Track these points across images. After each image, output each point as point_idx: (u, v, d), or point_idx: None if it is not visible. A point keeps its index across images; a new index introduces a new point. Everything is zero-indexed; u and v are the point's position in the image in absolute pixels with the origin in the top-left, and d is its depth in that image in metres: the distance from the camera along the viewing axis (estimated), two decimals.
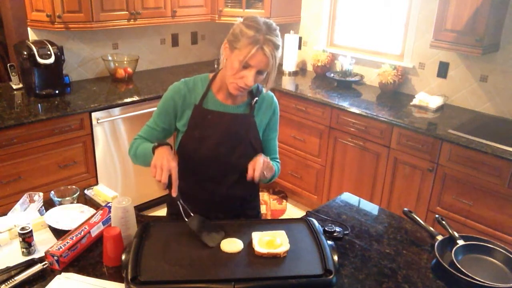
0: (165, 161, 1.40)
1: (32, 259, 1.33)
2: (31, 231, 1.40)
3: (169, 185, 1.40)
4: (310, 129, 3.35)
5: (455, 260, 1.39)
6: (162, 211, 3.23)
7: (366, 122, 2.98)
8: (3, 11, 3.61)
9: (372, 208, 1.84)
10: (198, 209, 1.47)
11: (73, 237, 1.39)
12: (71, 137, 2.82)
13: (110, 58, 3.53)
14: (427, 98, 3.08)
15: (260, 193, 2.29)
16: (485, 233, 2.53)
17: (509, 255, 1.44)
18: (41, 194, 1.70)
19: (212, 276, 1.25)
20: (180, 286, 1.21)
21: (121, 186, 3.21)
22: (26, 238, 1.39)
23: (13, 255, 1.41)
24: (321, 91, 3.42)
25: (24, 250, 1.41)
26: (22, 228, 1.39)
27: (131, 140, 1.66)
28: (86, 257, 1.41)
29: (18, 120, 2.57)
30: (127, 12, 3.17)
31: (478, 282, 1.30)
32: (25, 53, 2.82)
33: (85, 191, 1.83)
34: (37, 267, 1.30)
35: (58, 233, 1.51)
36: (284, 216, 3.55)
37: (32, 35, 3.12)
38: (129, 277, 1.20)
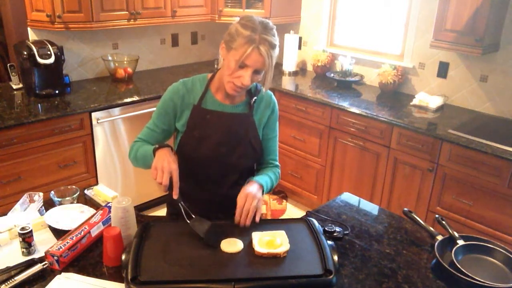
0: (166, 163, 1.40)
1: (32, 259, 1.33)
2: (31, 231, 1.40)
3: (170, 187, 1.40)
4: (310, 129, 3.35)
5: (455, 260, 1.39)
6: (162, 211, 3.23)
7: (366, 122, 2.98)
8: (3, 11, 3.61)
9: (372, 208, 1.84)
10: (198, 210, 1.47)
11: (73, 237, 1.39)
12: (71, 137, 2.82)
13: (110, 58, 3.53)
14: (427, 98, 3.08)
15: None
16: (485, 233, 2.53)
17: (509, 255, 1.44)
18: (41, 194, 1.69)
19: (212, 276, 1.25)
20: (180, 286, 1.21)
21: (121, 186, 3.21)
22: (26, 238, 1.39)
23: (13, 255, 1.41)
24: (321, 91, 3.42)
25: (24, 250, 1.40)
26: (22, 228, 1.39)
27: (131, 143, 1.66)
28: (86, 257, 1.41)
29: (18, 120, 2.57)
30: (127, 12, 3.17)
31: (478, 282, 1.30)
32: (25, 53, 2.82)
33: (85, 191, 1.83)
34: (37, 267, 1.30)
35: (58, 233, 1.51)
36: (284, 216, 3.55)
37: (32, 35, 3.12)
38: (129, 277, 1.20)
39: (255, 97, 1.63)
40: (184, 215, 1.43)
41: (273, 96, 1.70)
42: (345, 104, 3.11)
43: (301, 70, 4.04)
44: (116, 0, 3.08)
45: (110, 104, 2.95)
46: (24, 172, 2.67)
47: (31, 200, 1.68)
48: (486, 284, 1.29)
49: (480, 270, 1.39)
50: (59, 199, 1.68)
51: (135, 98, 3.07)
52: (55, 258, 1.32)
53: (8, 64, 3.15)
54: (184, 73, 3.73)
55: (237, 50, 1.42)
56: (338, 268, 1.32)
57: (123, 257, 1.29)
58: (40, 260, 1.33)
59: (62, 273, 1.32)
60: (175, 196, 1.40)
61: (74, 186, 1.75)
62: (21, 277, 1.26)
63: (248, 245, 1.38)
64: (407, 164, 2.84)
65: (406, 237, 1.61)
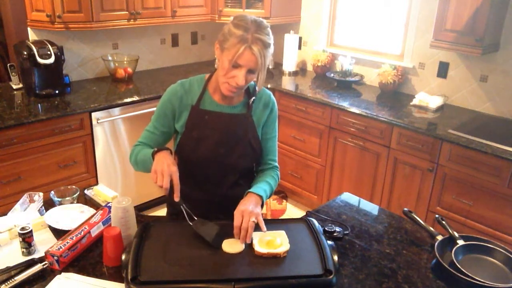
0: (166, 166, 1.39)
1: (32, 259, 1.33)
2: (31, 231, 1.40)
3: (171, 190, 1.39)
4: (310, 129, 3.35)
5: (455, 260, 1.39)
6: (162, 211, 3.23)
7: (366, 122, 2.98)
8: (3, 11, 3.61)
9: (372, 208, 1.84)
10: (198, 210, 1.47)
11: (73, 237, 1.39)
12: (71, 137, 2.82)
13: (110, 58, 3.53)
14: (427, 98, 3.08)
15: None
16: (485, 233, 2.53)
17: (509, 255, 1.44)
18: (41, 194, 1.69)
19: (212, 276, 1.25)
20: (180, 286, 1.21)
21: (121, 186, 3.21)
22: (26, 238, 1.39)
23: (13, 255, 1.41)
24: (321, 91, 3.42)
25: (24, 250, 1.40)
26: (22, 228, 1.39)
27: (132, 146, 1.66)
28: (86, 257, 1.41)
29: (18, 120, 2.57)
30: (127, 12, 3.17)
31: (478, 282, 1.30)
32: (25, 53, 2.82)
33: (85, 191, 1.83)
34: (37, 267, 1.30)
35: (58, 233, 1.51)
36: (284, 216, 3.55)
37: (32, 35, 3.12)
38: (129, 277, 1.20)
39: (254, 97, 1.62)
40: (186, 217, 1.42)
41: (272, 96, 1.70)
42: (345, 104, 3.11)
43: (301, 70, 4.04)
44: (116, 0, 3.08)
45: (110, 104, 2.95)
46: (24, 172, 2.67)
47: (31, 200, 1.68)
48: (486, 284, 1.29)
49: (480, 270, 1.39)
50: (59, 199, 1.68)
51: (135, 98, 3.07)
52: (55, 258, 1.32)
53: (8, 64, 3.15)
54: (184, 73, 3.74)
55: (229, 50, 1.42)
56: (338, 268, 1.32)
57: (123, 257, 1.29)
58: (40, 260, 1.33)
59: (62, 273, 1.32)
60: (177, 198, 1.39)
61: (74, 186, 1.75)
62: (21, 277, 1.27)
63: (248, 245, 1.38)
64: (407, 164, 2.84)
65: (406, 237, 1.61)
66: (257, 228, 1.42)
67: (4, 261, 1.36)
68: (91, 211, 1.64)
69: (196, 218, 1.43)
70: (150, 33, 3.75)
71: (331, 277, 1.25)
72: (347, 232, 1.58)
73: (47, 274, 1.32)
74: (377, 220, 1.72)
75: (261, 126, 1.67)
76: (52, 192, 1.69)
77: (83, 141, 2.89)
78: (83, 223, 1.47)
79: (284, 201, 3.75)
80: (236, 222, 1.40)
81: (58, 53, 2.91)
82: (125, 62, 3.49)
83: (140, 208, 3.35)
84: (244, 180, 1.70)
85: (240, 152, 1.62)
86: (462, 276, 1.32)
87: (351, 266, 1.42)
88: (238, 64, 1.42)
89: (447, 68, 3.16)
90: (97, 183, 2.63)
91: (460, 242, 1.49)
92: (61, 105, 2.85)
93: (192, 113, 1.59)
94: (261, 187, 1.58)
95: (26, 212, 1.62)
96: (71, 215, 1.61)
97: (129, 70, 3.47)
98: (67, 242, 1.36)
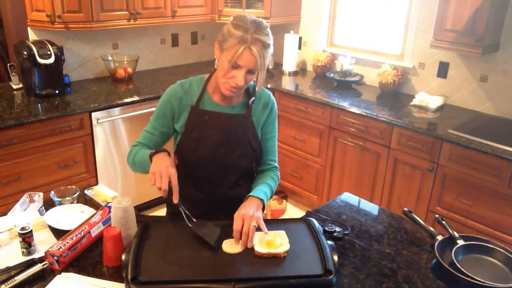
0: (164, 168, 1.38)
1: (32, 259, 1.33)
2: (31, 231, 1.40)
3: (169, 192, 1.38)
4: (310, 129, 3.35)
5: (455, 260, 1.39)
6: (162, 211, 3.23)
7: (366, 122, 2.98)
8: (3, 11, 3.61)
9: (372, 208, 1.84)
10: (197, 210, 1.47)
11: (73, 237, 1.39)
12: (71, 137, 2.82)
13: (110, 58, 3.53)
14: (427, 98, 3.08)
15: None
16: (485, 233, 2.53)
17: (509, 255, 1.44)
18: (41, 194, 1.69)
19: (212, 276, 1.25)
20: (180, 286, 1.21)
21: (121, 186, 3.21)
22: (26, 238, 1.39)
23: (13, 255, 1.41)
24: (321, 91, 3.42)
25: (24, 250, 1.40)
26: (22, 228, 1.39)
27: (130, 146, 1.66)
28: (86, 257, 1.41)
29: (18, 120, 2.56)
30: (127, 12, 3.17)
31: (478, 282, 1.30)
32: (25, 53, 2.82)
33: (85, 191, 1.83)
34: (37, 267, 1.30)
35: (58, 233, 1.51)
36: (284, 216, 3.55)
37: (32, 35, 3.12)
38: (129, 277, 1.20)
39: (253, 98, 1.62)
40: (186, 219, 1.42)
41: (271, 96, 1.69)
42: (345, 104, 3.11)
43: (301, 70, 4.04)
44: (116, 0, 3.08)
45: (110, 104, 2.95)
46: (24, 172, 2.67)
47: (31, 200, 1.68)
48: (486, 284, 1.29)
49: (480, 270, 1.39)
50: (59, 199, 1.68)
51: (135, 98, 3.07)
52: (55, 258, 1.32)
53: (8, 64, 3.15)
54: (184, 73, 3.74)
55: (229, 51, 1.41)
56: (338, 268, 1.32)
57: (123, 257, 1.29)
58: (40, 260, 1.33)
59: (62, 273, 1.32)
60: (176, 200, 1.39)
61: (74, 186, 1.75)
62: (21, 277, 1.26)
63: None
64: (407, 164, 2.84)
65: (406, 237, 1.61)
66: (257, 228, 1.42)
67: (4, 261, 1.36)
68: (91, 211, 1.64)
69: (195, 220, 1.43)
70: (150, 33, 3.75)
71: (331, 277, 1.25)
72: (347, 232, 1.58)
73: (47, 274, 1.32)
74: (377, 220, 1.72)
75: (261, 126, 1.67)
76: (52, 192, 1.69)
77: (83, 141, 2.89)
78: (83, 223, 1.47)
79: (284, 201, 3.75)
80: (237, 226, 1.39)
81: (58, 53, 2.91)
82: (125, 62, 3.49)
83: (140, 208, 3.35)
84: (244, 180, 1.70)
85: (240, 152, 1.62)
86: (462, 276, 1.32)
87: (351, 266, 1.42)
88: (238, 65, 1.42)
89: (447, 68, 3.16)
90: (97, 183, 2.63)
91: (460, 242, 1.49)
92: (61, 105, 2.85)
93: (192, 114, 1.58)
94: (262, 189, 1.58)
95: (26, 212, 1.62)
96: (71, 215, 1.61)
97: (129, 70, 3.47)
98: (67, 242, 1.36)
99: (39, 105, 2.84)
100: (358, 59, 3.61)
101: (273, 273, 1.27)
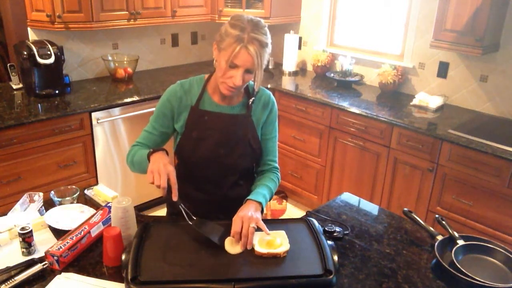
0: (162, 166, 1.38)
1: (32, 259, 1.33)
2: (31, 231, 1.40)
3: (168, 190, 1.38)
4: (310, 129, 3.35)
5: (455, 260, 1.39)
6: (162, 211, 3.23)
7: (366, 122, 2.98)
8: (3, 11, 3.61)
9: (372, 208, 1.83)
10: (198, 210, 1.47)
11: (73, 237, 1.39)
12: (71, 137, 2.82)
13: (110, 58, 3.53)
14: (427, 98, 3.08)
15: None
16: (485, 233, 2.53)
17: (509, 255, 1.44)
18: (41, 194, 1.69)
19: (212, 276, 1.25)
20: (180, 286, 1.21)
21: (121, 186, 3.21)
22: (26, 238, 1.39)
23: (13, 255, 1.41)
24: (321, 91, 3.42)
25: (24, 250, 1.40)
26: (22, 228, 1.39)
27: (130, 147, 1.65)
28: (86, 257, 1.41)
29: (18, 120, 2.56)
30: (127, 12, 3.17)
31: (478, 282, 1.30)
32: (25, 53, 2.82)
33: (85, 191, 1.83)
34: (37, 267, 1.30)
35: (58, 233, 1.51)
36: (284, 216, 3.55)
37: (32, 35, 3.12)
38: (129, 277, 1.20)
39: (253, 98, 1.62)
40: (186, 217, 1.42)
41: (271, 96, 1.69)
42: (345, 104, 3.11)
43: (301, 70, 4.04)
44: (116, 0, 3.08)
45: (110, 104, 2.95)
46: (24, 172, 2.67)
47: (31, 200, 1.68)
48: (486, 284, 1.29)
49: (480, 270, 1.39)
50: (59, 199, 1.68)
51: (135, 98, 3.07)
52: (55, 258, 1.32)
53: (8, 64, 3.15)
54: (184, 73, 3.74)
55: (226, 50, 1.41)
56: (338, 268, 1.32)
57: (123, 257, 1.29)
58: (40, 260, 1.33)
59: (62, 273, 1.32)
60: (175, 198, 1.38)
61: (74, 186, 1.75)
62: (21, 277, 1.26)
63: None
64: (407, 164, 2.84)
65: (406, 237, 1.61)
66: (257, 228, 1.42)
67: (4, 261, 1.36)
68: (91, 211, 1.64)
69: (194, 218, 1.43)
70: (150, 33, 3.75)
71: (331, 277, 1.25)
72: (347, 232, 1.58)
73: (47, 274, 1.32)
74: (377, 220, 1.72)
75: (261, 126, 1.67)
76: (52, 192, 1.69)
77: (83, 141, 2.89)
78: (83, 223, 1.47)
79: (284, 201, 3.75)
80: (236, 227, 1.38)
81: (58, 53, 2.91)
82: (125, 62, 3.49)
83: (140, 208, 3.35)
84: (244, 180, 1.70)
85: (239, 153, 1.61)
86: (462, 276, 1.32)
87: (351, 266, 1.42)
88: (235, 64, 1.42)
89: (447, 68, 3.16)
90: (97, 183, 2.63)
91: (460, 242, 1.49)
92: (61, 105, 2.85)
93: (192, 114, 1.58)
94: (260, 192, 1.57)
95: (26, 212, 1.62)
96: (71, 215, 1.61)
97: (129, 70, 3.47)
98: (67, 242, 1.36)
99: (39, 105, 2.84)
100: (358, 59, 3.61)
101: (273, 273, 1.27)
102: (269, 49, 1.46)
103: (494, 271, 1.42)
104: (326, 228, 1.51)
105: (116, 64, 3.46)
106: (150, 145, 1.61)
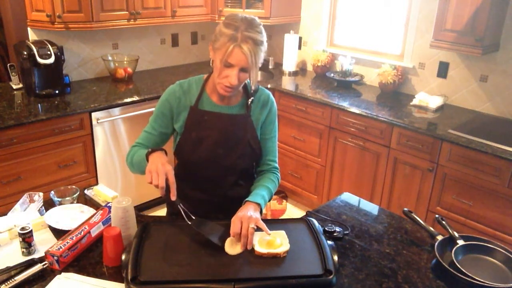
0: (160, 165, 1.38)
1: (32, 259, 1.33)
2: (31, 231, 1.40)
3: (167, 189, 1.38)
4: (310, 129, 3.35)
5: (455, 260, 1.39)
6: (162, 211, 3.23)
7: (366, 122, 2.98)
8: (3, 11, 3.61)
9: (372, 208, 1.83)
10: (197, 211, 1.47)
11: (73, 237, 1.39)
12: (71, 137, 2.82)
13: (110, 58, 3.53)
14: (427, 98, 3.08)
15: None
16: (485, 233, 2.53)
17: (509, 255, 1.44)
18: (41, 194, 1.69)
19: (212, 276, 1.25)
20: (180, 286, 1.21)
21: (121, 186, 3.21)
22: (26, 238, 1.39)
23: (13, 255, 1.41)
24: (321, 91, 3.42)
25: (24, 250, 1.40)
26: (22, 228, 1.39)
27: (130, 146, 1.65)
28: (86, 257, 1.41)
29: (18, 120, 2.57)
30: (127, 12, 3.17)
31: (478, 282, 1.30)
32: (25, 53, 2.82)
33: (85, 191, 1.83)
34: (37, 267, 1.30)
35: (58, 233, 1.51)
36: (284, 216, 3.55)
37: (32, 35, 3.12)
38: (129, 277, 1.20)
39: (252, 98, 1.62)
40: (184, 217, 1.42)
41: (270, 96, 1.69)
42: (345, 104, 3.11)
43: (301, 70, 4.04)
44: (116, 0, 3.08)
45: (110, 104, 2.95)
46: (24, 172, 2.67)
47: (31, 200, 1.68)
48: (486, 284, 1.29)
49: (480, 270, 1.39)
50: (59, 199, 1.68)
51: (135, 98, 3.07)
52: (55, 258, 1.32)
53: (8, 64, 3.15)
54: (184, 73, 3.74)
55: (220, 50, 1.42)
56: (338, 268, 1.32)
57: (123, 257, 1.29)
58: (40, 260, 1.33)
59: (62, 273, 1.32)
60: (173, 197, 1.38)
61: (74, 186, 1.75)
62: (21, 277, 1.26)
63: None
64: (407, 164, 2.84)
65: (406, 237, 1.61)
66: (257, 228, 1.42)
67: (4, 261, 1.36)
68: (91, 211, 1.64)
69: (193, 218, 1.43)
70: (150, 33, 3.75)
71: (331, 277, 1.25)
72: (347, 232, 1.58)
73: (47, 274, 1.32)
74: (377, 220, 1.72)
75: (260, 126, 1.66)
76: (52, 192, 1.69)
77: (83, 141, 2.89)
78: (83, 223, 1.47)
79: (284, 201, 3.75)
80: (235, 228, 1.38)
81: (58, 53, 2.91)
82: (125, 62, 3.49)
83: (140, 208, 3.35)
84: (244, 180, 1.70)
85: (239, 153, 1.61)
86: (462, 276, 1.32)
87: (351, 266, 1.42)
88: (229, 64, 1.42)
89: (447, 68, 3.16)
90: (97, 183, 2.64)
91: (460, 242, 1.49)
92: (61, 105, 2.85)
93: (191, 114, 1.58)
94: (259, 193, 1.57)
95: (26, 212, 1.62)
96: (71, 215, 1.61)
97: (129, 70, 3.47)
98: (67, 242, 1.36)
99: (39, 105, 2.84)
100: (358, 59, 3.61)
101: (273, 273, 1.27)
102: (264, 47, 1.46)
103: (494, 271, 1.42)
104: (326, 228, 1.51)
105: (116, 64, 3.46)
106: (150, 145, 1.61)
